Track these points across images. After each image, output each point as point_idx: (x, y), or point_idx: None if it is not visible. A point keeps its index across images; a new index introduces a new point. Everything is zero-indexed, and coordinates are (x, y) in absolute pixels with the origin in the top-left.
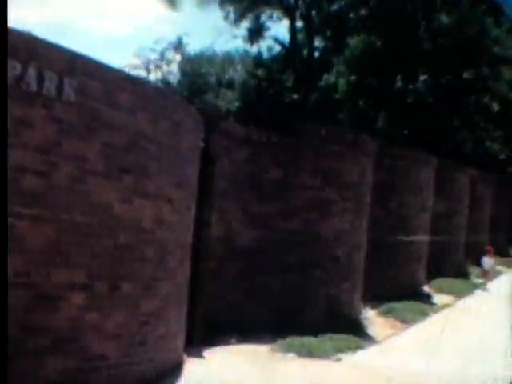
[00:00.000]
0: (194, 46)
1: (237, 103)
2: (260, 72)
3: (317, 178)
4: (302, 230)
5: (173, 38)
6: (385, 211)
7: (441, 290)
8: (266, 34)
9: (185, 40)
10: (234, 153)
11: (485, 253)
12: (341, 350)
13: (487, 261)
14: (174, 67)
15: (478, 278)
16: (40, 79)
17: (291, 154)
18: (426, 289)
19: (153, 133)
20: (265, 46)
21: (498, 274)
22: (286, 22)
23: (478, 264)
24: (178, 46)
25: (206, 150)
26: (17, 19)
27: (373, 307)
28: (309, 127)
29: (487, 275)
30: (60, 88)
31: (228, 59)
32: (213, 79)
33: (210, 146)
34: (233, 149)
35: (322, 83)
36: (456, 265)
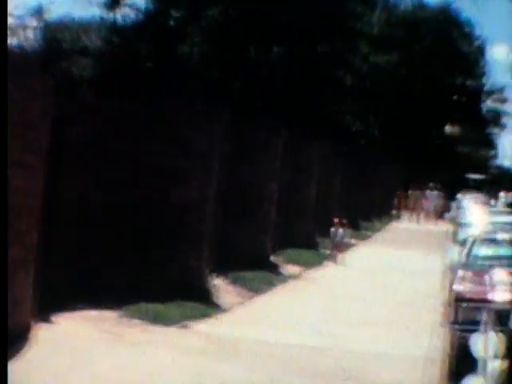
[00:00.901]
0: (53, 13)
1: (91, 70)
2: (116, 39)
3: (167, 147)
4: (152, 197)
5: (33, 3)
6: (233, 180)
7: (289, 261)
8: (124, 1)
9: (45, 6)
10: (86, 119)
11: (333, 225)
12: (188, 318)
13: (336, 232)
14: (31, 33)
15: (328, 249)
16: None
17: (143, 122)
18: (274, 259)
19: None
20: (122, 14)
21: (349, 246)
22: None
23: (328, 235)
24: (38, 11)
25: (57, 116)
26: None
27: (220, 276)
28: (161, 96)
29: (337, 247)
30: None
31: (85, 26)
32: (69, 46)
33: (61, 111)
34: (85, 115)
35: (177, 52)
36: (305, 236)
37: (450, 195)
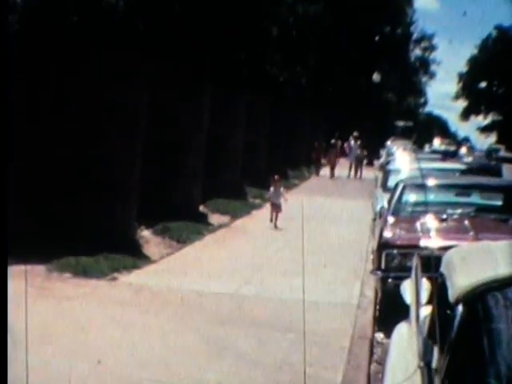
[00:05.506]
0: None
1: (17, 26)
2: None
3: (93, 103)
4: (78, 150)
5: None
6: (161, 134)
7: (217, 211)
8: None
9: None
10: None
11: (272, 183)
12: (117, 270)
13: (275, 192)
14: None
15: (256, 199)
16: None
17: (68, 77)
18: (203, 209)
19: None
20: None
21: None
22: None
23: (256, 185)
24: None
25: None
26: None
27: (148, 227)
28: (89, 51)
29: (276, 208)
30: None
31: None
32: None
33: None
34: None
35: (102, 5)
36: (232, 185)
37: (373, 143)
